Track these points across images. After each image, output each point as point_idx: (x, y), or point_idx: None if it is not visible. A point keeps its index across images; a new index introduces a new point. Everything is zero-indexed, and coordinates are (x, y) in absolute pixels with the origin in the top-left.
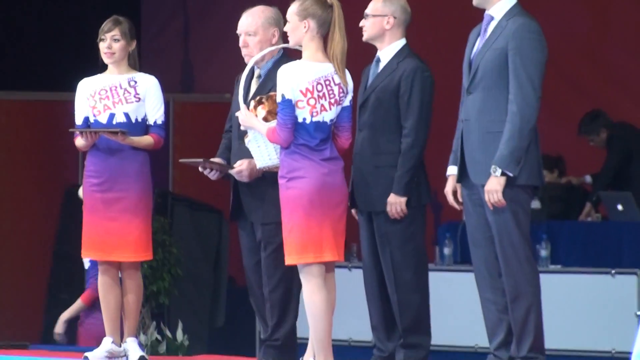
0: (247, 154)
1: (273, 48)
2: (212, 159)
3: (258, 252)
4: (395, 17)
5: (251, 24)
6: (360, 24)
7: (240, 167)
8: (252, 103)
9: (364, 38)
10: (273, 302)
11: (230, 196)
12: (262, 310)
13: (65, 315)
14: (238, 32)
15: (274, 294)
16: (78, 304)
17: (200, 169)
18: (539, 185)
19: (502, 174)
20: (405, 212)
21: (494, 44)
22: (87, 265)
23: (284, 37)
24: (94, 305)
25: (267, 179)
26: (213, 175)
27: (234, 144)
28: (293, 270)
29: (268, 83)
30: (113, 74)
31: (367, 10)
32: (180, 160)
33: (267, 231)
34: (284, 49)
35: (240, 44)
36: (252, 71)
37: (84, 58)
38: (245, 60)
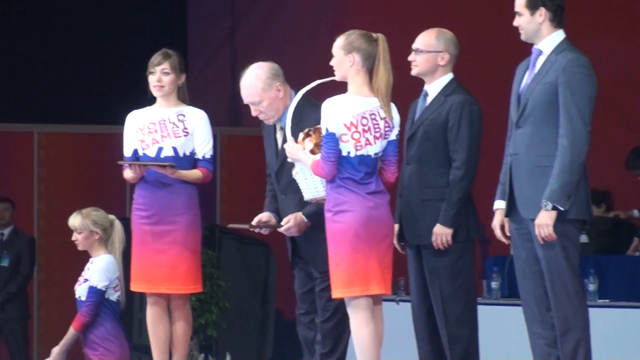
0: (290, 209)
1: (326, 80)
2: (259, 220)
3: (310, 281)
4: (449, 53)
5: (253, 94)
6: (410, 59)
7: (288, 225)
8: (301, 135)
9: (414, 73)
10: (325, 332)
11: (287, 241)
12: (308, 339)
13: (62, 347)
14: (246, 103)
15: (326, 324)
16: (71, 332)
17: (250, 229)
18: (587, 220)
19: (553, 208)
20: (450, 244)
21: (544, 78)
22: (78, 294)
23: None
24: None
25: (322, 229)
26: (264, 232)
27: (279, 196)
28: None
29: (295, 130)
30: (162, 107)
31: (419, 45)
32: (229, 226)
33: (323, 275)
34: (295, 93)
35: (253, 113)
36: (274, 126)
37: (132, 91)
38: (266, 122)
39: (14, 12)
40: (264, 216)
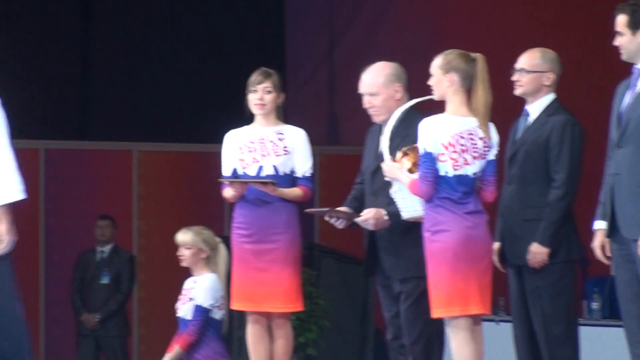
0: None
1: (424, 99)
2: (338, 208)
3: (395, 305)
4: (554, 73)
5: (372, 85)
6: (514, 78)
7: (367, 216)
8: (399, 154)
9: (519, 92)
10: (415, 355)
11: (364, 247)
12: None
13: None
14: (360, 92)
15: (416, 347)
16: (177, 351)
17: (326, 217)
18: None
19: None
20: (547, 264)
21: None
22: (183, 313)
23: (418, 90)
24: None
25: (404, 234)
26: (340, 224)
27: (368, 198)
28: (434, 323)
29: (397, 136)
30: (261, 125)
31: (524, 65)
32: (307, 210)
33: (406, 286)
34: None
35: (365, 105)
36: (380, 126)
37: (230, 110)
38: (373, 119)
39: (113, 32)
40: (342, 208)
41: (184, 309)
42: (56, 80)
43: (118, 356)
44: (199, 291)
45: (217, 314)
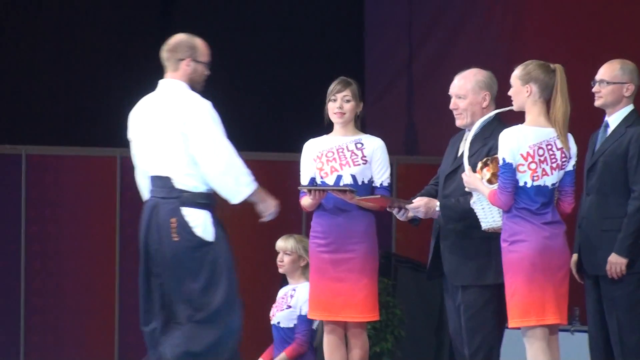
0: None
1: (504, 110)
2: (393, 197)
3: (458, 316)
4: (634, 85)
5: (462, 87)
6: (595, 90)
7: (418, 203)
8: (479, 165)
9: (599, 104)
10: None
11: (429, 254)
12: None
13: None
14: (450, 93)
15: (475, 358)
16: (283, 357)
17: (387, 208)
18: None
19: None
20: (624, 274)
21: None
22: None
23: (497, 101)
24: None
25: (472, 240)
26: (401, 215)
27: (439, 200)
28: (494, 334)
29: (476, 144)
30: (339, 135)
31: (603, 77)
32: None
33: (468, 294)
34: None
35: (451, 106)
36: (462, 133)
37: (309, 119)
38: (456, 121)
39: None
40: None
41: (279, 316)
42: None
43: None
44: (302, 302)
45: (314, 324)
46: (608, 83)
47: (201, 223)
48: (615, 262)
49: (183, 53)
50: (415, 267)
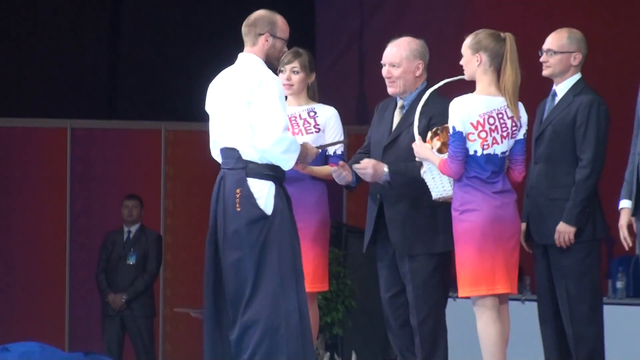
0: (372, 185)
1: (455, 79)
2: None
3: (396, 284)
4: (581, 54)
5: (395, 56)
6: (542, 60)
7: (365, 164)
8: (429, 134)
9: (547, 73)
10: (422, 336)
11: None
12: (401, 346)
13: None
14: (382, 62)
15: (423, 328)
16: None
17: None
18: None
19: None
20: (573, 243)
21: None
22: None
23: (428, 70)
24: None
25: (420, 210)
26: (342, 180)
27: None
28: (441, 302)
29: (411, 114)
30: (292, 105)
31: (551, 46)
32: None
33: (416, 263)
34: (428, 81)
35: (384, 74)
36: (395, 101)
37: None
38: (389, 89)
39: (144, 11)
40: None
41: None
42: (85, 59)
43: (144, 337)
44: None
45: None
46: (555, 52)
47: (265, 194)
48: (564, 231)
49: (262, 28)
50: None
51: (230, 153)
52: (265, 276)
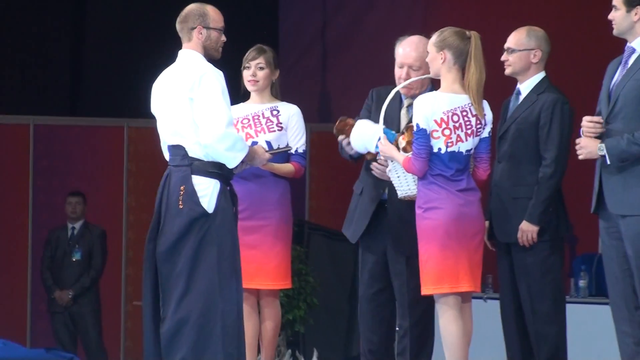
0: (372, 177)
1: (422, 77)
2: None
3: (381, 281)
4: (541, 50)
5: (417, 59)
6: (503, 58)
7: (385, 164)
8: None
9: (508, 72)
10: (413, 338)
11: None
12: (375, 343)
13: None
14: (400, 63)
15: (415, 329)
16: None
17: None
18: None
19: None
20: (535, 241)
21: (635, 75)
22: None
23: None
24: None
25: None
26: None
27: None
28: (433, 306)
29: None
30: (256, 102)
31: (510, 44)
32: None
33: (413, 263)
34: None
35: (403, 76)
36: (400, 100)
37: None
38: (403, 92)
39: (106, 7)
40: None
41: None
42: (47, 55)
43: (91, 331)
44: None
45: None
46: (514, 50)
47: (209, 193)
48: (527, 230)
49: (194, 21)
50: (328, 235)
51: (176, 150)
52: (201, 274)
